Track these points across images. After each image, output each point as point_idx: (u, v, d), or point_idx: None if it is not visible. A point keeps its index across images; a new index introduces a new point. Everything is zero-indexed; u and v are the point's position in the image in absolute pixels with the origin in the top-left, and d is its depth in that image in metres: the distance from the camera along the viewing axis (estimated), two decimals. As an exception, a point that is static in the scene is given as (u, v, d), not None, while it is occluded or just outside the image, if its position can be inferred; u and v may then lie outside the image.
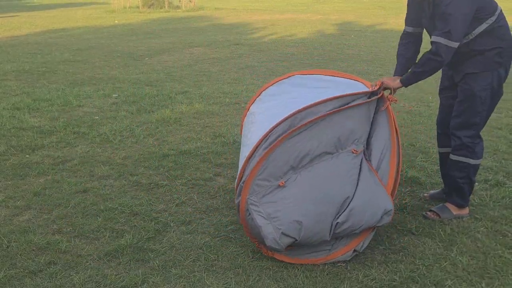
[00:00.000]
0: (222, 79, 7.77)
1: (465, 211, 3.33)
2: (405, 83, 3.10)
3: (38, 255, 2.89)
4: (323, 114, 2.79)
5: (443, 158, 3.47)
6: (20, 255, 2.90)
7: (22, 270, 2.75)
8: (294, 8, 22.68)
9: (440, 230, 3.14)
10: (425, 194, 3.62)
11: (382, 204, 2.77)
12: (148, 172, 4.11)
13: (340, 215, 2.69)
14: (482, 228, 3.17)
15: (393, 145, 2.91)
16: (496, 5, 3.08)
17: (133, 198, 3.64)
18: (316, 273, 2.72)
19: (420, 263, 2.79)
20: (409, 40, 3.34)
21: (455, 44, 2.92)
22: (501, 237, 3.07)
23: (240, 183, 2.79)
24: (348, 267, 2.77)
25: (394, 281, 2.63)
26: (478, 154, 3.21)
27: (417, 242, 3.01)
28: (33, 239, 3.05)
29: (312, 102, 2.83)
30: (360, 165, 2.84)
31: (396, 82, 3.10)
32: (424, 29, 3.28)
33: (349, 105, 2.86)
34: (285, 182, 2.73)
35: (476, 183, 3.79)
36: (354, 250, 2.83)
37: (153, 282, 2.66)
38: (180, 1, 23.78)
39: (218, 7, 23.34)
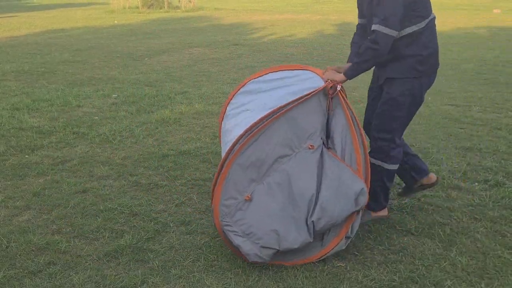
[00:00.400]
0: (222, 80, 7.77)
1: (384, 212, 3.30)
2: (349, 76, 3.01)
3: (38, 256, 2.89)
4: (267, 121, 2.80)
5: None
6: (19, 255, 2.90)
7: (21, 270, 2.75)
8: (294, 8, 22.68)
9: (439, 230, 3.14)
10: (399, 190, 3.61)
11: (352, 187, 2.76)
12: (148, 172, 4.11)
13: (313, 213, 2.71)
14: (481, 229, 3.17)
15: (351, 129, 2.87)
16: (430, 11, 3.02)
17: (132, 198, 3.64)
18: (316, 274, 2.72)
19: (419, 263, 2.80)
20: (363, 30, 3.27)
21: (393, 32, 2.85)
22: (500, 238, 3.07)
23: (211, 207, 2.86)
24: (348, 268, 2.77)
25: (394, 282, 2.64)
26: (394, 159, 3.17)
27: (416, 243, 3.01)
28: (32, 239, 3.05)
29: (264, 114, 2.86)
30: (321, 156, 2.85)
31: (339, 75, 3.00)
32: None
33: (292, 105, 2.85)
34: (250, 194, 2.77)
35: (476, 184, 3.79)
36: (346, 237, 2.83)
37: (152, 282, 2.66)
38: (179, 2, 23.78)
39: (218, 8, 23.35)
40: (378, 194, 3.22)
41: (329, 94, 2.90)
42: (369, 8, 3.02)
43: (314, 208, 2.71)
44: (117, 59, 9.72)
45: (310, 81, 3.06)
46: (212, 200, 2.85)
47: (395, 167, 3.20)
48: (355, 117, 2.92)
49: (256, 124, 2.82)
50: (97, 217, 3.35)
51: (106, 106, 6.15)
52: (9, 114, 5.72)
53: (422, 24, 2.95)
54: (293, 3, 26.18)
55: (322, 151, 2.86)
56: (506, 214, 3.35)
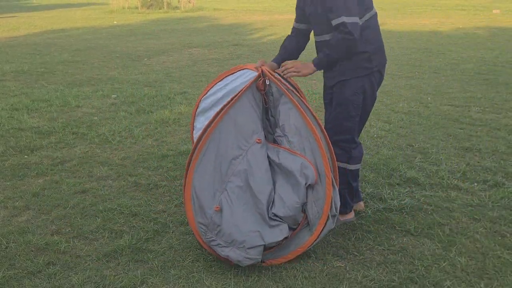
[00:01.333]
0: (221, 80, 7.76)
1: (351, 215, 3.28)
2: (319, 67, 3.02)
3: (37, 256, 2.89)
4: (210, 129, 2.85)
5: None
6: (19, 255, 2.89)
7: (21, 270, 2.75)
8: (293, 8, 22.64)
9: (439, 230, 3.14)
10: None
11: (293, 167, 2.80)
12: (147, 172, 4.11)
13: (273, 206, 2.78)
14: (481, 229, 3.17)
15: (301, 112, 2.87)
16: (373, 5, 3.04)
17: (132, 198, 3.64)
18: (315, 274, 2.72)
19: (419, 263, 2.80)
20: (296, 34, 3.29)
21: (357, 19, 2.87)
22: (500, 238, 3.07)
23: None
24: (347, 268, 2.77)
25: (393, 282, 2.64)
26: (356, 159, 3.17)
27: (416, 243, 3.01)
28: (32, 239, 3.04)
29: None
30: (267, 149, 2.92)
31: (309, 67, 3.01)
32: (310, 22, 3.19)
33: (226, 107, 2.88)
34: (219, 205, 2.80)
35: (476, 184, 3.80)
36: (332, 216, 2.83)
37: (152, 282, 2.66)
38: (179, 2, 23.78)
39: (217, 8, 23.35)
40: (345, 197, 3.20)
41: (260, 90, 2.94)
42: (314, 8, 3.00)
43: (273, 201, 2.80)
44: (117, 59, 9.72)
45: (242, 77, 3.09)
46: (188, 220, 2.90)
47: (358, 166, 3.22)
48: (302, 101, 2.94)
49: (201, 135, 2.88)
50: (97, 218, 3.35)
51: (105, 106, 6.15)
52: (8, 114, 5.72)
53: (367, 17, 2.97)
54: (292, 3, 26.18)
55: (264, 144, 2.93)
56: (505, 215, 3.35)
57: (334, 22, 2.89)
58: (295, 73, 3.04)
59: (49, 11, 22.90)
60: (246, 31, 14.28)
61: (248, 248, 2.72)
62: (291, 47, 3.28)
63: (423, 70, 8.35)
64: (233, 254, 2.73)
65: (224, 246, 2.76)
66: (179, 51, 10.67)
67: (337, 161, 3.08)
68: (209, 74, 8.24)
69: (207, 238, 2.80)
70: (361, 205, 3.41)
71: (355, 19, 2.85)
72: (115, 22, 17.29)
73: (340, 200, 3.12)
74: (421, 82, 7.35)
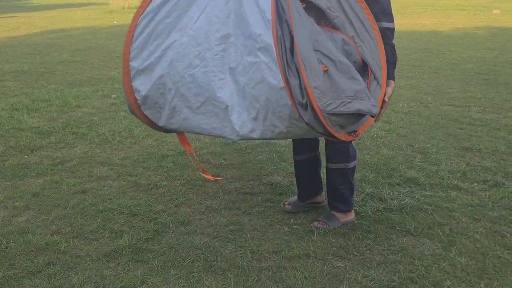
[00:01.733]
0: (221, 80, 7.75)
1: (351, 215, 3.27)
2: (394, 78, 3.00)
3: (37, 256, 2.89)
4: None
5: (301, 166, 3.37)
6: (18, 255, 2.89)
7: (21, 270, 2.75)
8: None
9: (439, 230, 3.14)
10: (287, 206, 3.45)
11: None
12: (147, 172, 4.11)
13: None
14: (481, 229, 3.17)
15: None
16: None
17: (132, 198, 3.64)
18: (315, 274, 2.72)
19: (419, 263, 2.80)
20: None
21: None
22: (500, 238, 3.07)
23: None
24: (347, 268, 2.77)
25: (393, 282, 2.64)
26: (353, 157, 3.16)
27: (416, 243, 3.01)
28: (32, 239, 3.04)
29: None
30: None
31: (391, 86, 2.93)
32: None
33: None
34: (325, 66, 2.59)
35: (476, 184, 3.80)
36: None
37: (152, 282, 2.66)
38: (179, 2, 23.74)
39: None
40: (346, 195, 3.20)
41: None
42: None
43: None
44: (117, 59, 9.71)
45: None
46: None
47: (355, 162, 3.22)
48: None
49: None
50: (97, 218, 3.35)
51: (105, 106, 6.15)
52: (8, 114, 5.72)
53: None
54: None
55: None
56: (505, 215, 3.35)
57: (386, 25, 2.93)
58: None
59: (49, 11, 22.89)
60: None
61: (370, 96, 2.59)
62: None
63: (423, 70, 8.35)
64: (362, 105, 2.52)
65: (349, 102, 2.52)
66: (179, 51, 10.66)
67: (337, 162, 3.10)
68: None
69: (323, 103, 2.48)
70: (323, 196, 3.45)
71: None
72: (115, 22, 17.29)
73: (341, 200, 3.16)
74: (421, 82, 7.35)
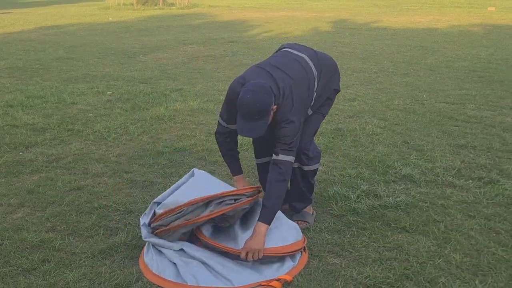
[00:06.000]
0: (217, 77, 7.76)
1: (311, 210, 3.34)
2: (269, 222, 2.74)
3: (32, 253, 2.88)
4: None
5: (262, 169, 3.32)
6: (13, 253, 2.88)
7: (15, 268, 2.74)
8: (289, 5, 22.66)
9: (434, 227, 3.15)
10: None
11: None
12: (143, 169, 4.10)
13: None
14: (475, 226, 3.18)
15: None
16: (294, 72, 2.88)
17: (127, 195, 3.63)
18: (311, 271, 2.72)
19: (414, 260, 2.80)
20: (229, 136, 3.02)
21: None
22: (494, 235, 3.08)
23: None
24: (343, 265, 2.77)
25: (389, 279, 2.64)
26: (316, 159, 3.15)
27: (411, 240, 3.02)
28: (26, 237, 3.03)
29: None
30: None
31: (260, 240, 2.66)
32: None
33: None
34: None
35: (471, 181, 3.81)
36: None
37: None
38: (174, -1, 23.71)
39: (213, 5, 23.30)
40: (305, 194, 3.25)
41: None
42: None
43: None
44: (112, 56, 9.69)
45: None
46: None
47: (318, 165, 3.20)
48: None
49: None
50: (92, 215, 3.34)
51: (100, 103, 6.13)
52: (2, 111, 5.70)
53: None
54: (288, 0, 26.16)
55: None
56: (500, 212, 3.36)
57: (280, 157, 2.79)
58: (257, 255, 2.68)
59: (43, 7, 22.79)
60: (242, 28, 14.26)
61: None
62: (235, 146, 3.11)
63: (419, 67, 8.37)
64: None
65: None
66: (174, 48, 10.65)
67: (314, 165, 3.15)
68: (204, 71, 8.23)
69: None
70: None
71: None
72: (110, 18, 17.23)
73: (301, 197, 3.27)
74: (416, 80, 7.36)
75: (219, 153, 4.38)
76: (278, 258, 2.72)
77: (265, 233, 2.68)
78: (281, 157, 2.76)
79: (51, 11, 20.27)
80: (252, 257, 2.64)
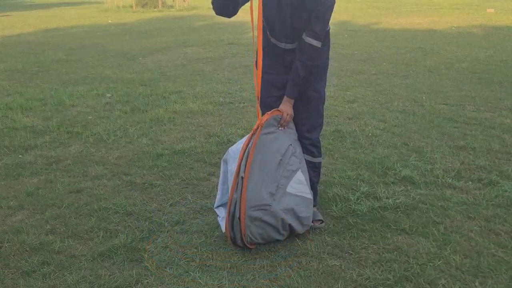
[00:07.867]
0: (216, 79, 7.76)
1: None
2: (292, 96, 3.03)
3: (31, 256, 2.87)
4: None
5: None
6: (13, 255, 2.88)
7: (15, 270, 2.74)
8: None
9: (434, 229, 3.15)
10: None
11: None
12: (142, 171, 4.10)
13: None
14: (475, 227, 3.18)
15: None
16: None
17: (127, 198, 3.63)
18: (310, 272, 2.72)
19: (414, 262, 2.80)
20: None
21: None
22: (494, 236, 3.08)
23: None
24: (343, 267, 2.77)
25: (389, 280, 2.64)
26: (321, 150, 3.31)
27: (411, 241, 3.02)
28: (26, 239, 3.03)
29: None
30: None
31: (288, 104, 3.03)
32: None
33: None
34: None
35: (470, 183, 3.81)
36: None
37: (147, 282, 2.65)
38: (173, 1, 23.76)
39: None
40: (316, 189, 3.33)
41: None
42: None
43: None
44: (111, 58, 9.69)
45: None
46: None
47: (321, 158, 3.34)
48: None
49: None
50: (91, 217, 3.34)
51: (100, 105, 6.13)
52: (2, 113, 5.70)
53: None
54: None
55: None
56: (499, 213, 3.36)
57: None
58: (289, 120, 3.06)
59: (43, 9, 22.81)
60: (241, 30, 14.27)
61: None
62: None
63: (418, 69, 8.37)
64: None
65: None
66: (174, 50, 10.66)
67: (312, 156, 3.24)
68: (204, 73, 8.23)
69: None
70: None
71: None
72: (109, 21, 17.24)
73: (316, 192, 3.34)
74: (415, 81, 7.36)
75: (219, 155, 4.41)
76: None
77: (292, 103, 3.02)
78: (308, 40, 2.87)
79: (51, 14, 20.29)
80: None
